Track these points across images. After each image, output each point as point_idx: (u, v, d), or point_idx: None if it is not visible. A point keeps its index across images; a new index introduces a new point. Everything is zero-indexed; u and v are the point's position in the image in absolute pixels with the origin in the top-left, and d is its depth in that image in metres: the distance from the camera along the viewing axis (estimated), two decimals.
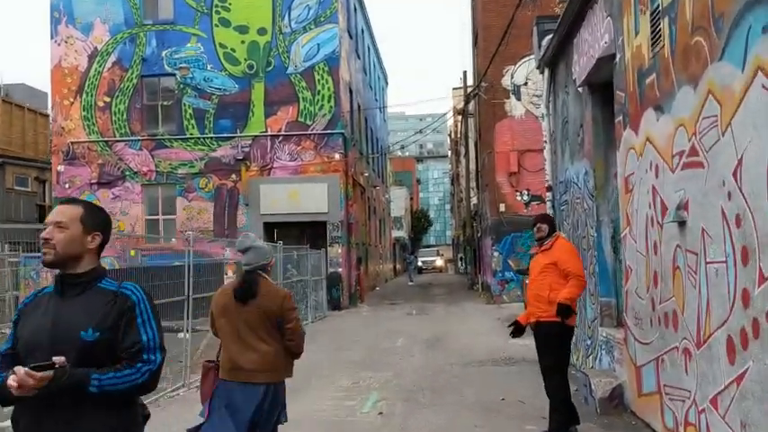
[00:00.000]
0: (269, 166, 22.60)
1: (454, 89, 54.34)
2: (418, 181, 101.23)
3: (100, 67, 23.00)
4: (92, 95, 22.97)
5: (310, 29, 22.77)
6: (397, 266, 50.33)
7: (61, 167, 22.88)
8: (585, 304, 8.03)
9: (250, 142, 22.63)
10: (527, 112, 22.17)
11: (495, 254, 21.99)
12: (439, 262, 59.04)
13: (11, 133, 29.30)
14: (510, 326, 6.13)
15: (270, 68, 22.71)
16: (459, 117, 41.57)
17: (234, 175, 22.53)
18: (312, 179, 22.39)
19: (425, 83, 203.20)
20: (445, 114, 45.50)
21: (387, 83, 45.28)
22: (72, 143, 22.87)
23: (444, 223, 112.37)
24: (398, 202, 59.46)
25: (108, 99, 22.97)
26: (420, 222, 75.31)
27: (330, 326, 16.57)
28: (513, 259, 21.76)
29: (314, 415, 6.96)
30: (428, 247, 79.86)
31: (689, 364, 4.77)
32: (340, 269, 22.20)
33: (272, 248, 5.05)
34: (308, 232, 23.81)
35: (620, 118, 6.37)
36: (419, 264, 51.36)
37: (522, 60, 22.22)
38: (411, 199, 78.83)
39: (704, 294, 4.44)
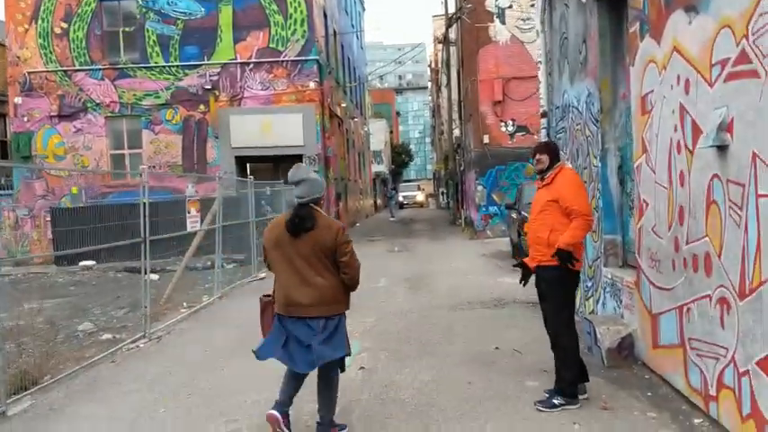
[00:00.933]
0: (239, 96, 21.37)
1: (434, 17, 52.48)
2: (398, 113, 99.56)
3: None
4: (48, 21, 21.36)
5: None
6: (378, 202, 49.51)
7: (18, 99, 21.43)
8: (587, 242, 7.24)
9: (218, 70, 21.31)
10: (512, 38, 21.02)
11: (479, 188, 21.18)
12: (420, 197, 58.30)
13: None
14: (516, 266, 5.26)
15: None
16: (440, 46, 40.10)
17: (202, 106, 21.29)
18: (286, 109, 21.23)
19: (405, 11, 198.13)
20: (419, 46, 44.02)
21: (363, 8, 43.43)
22: (29, 73, 21.38)
23: (425, 157, 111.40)
24: (378, 135, 58.15)
25: (65, 25, 21.39)
26: (400, 156, 74.13)
27: None
28: (497, 193, 20.99)
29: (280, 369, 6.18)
30: (409, 181, 79.00)
31: (726, 316, 3.98)
32: None
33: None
34: (283, 167, 22.80)
35: (637, 26, 5.42)
36: (400, 199, 50.57)
37: None
38: (391, 132, 77.39)
39: (752, 234, 3.61)
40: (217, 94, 21.27)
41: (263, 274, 13.68)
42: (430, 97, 72.32)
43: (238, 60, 21.28)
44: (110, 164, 21.62)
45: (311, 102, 21.27)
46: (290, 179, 4.31)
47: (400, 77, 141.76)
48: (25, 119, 21.41)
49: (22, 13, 21.34)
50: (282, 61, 21.26)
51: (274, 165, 22.93)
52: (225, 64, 21.27)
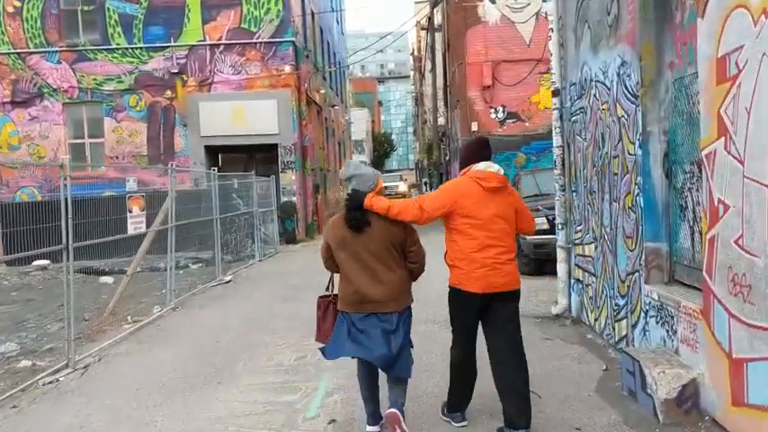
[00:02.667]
0: (209, 81, 19.71)
1: (417, 2, 50.94)
2: (380, 103, 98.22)
3: None
4: None
5: None
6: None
7: None
8: (616, 247, 5.83)
9: (186, 53, 19.63)
10: (502, 18, 19.57)
11: None
12: (402, 187, 56.80)
13: None
14: None
15: None
16: (423, 33, 38.56)
17: (169, 92, 19.62)
18: (259, 95, 19.62)
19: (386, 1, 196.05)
20: (398, 32, 42.59)
21: None
22: None
23: (407, 147, 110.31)
24: (359, 124, 56.59)
25: (18, 3, 19.58)
26: (383, 146, 72.60)
27: (280, 265, 14.27)
28: None
29: (232, 424, 4.70)
30: (390, 171, 77.19)
31: None
32: (294, 198, 19.77)
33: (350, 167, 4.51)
34: (258, 157, 21.26)
35: None
36: None
37: None
38: (373, 122, 75.92)
39: None
40: (185, 78, 19.60)
41: (228, 278, 12.20)
42: (413, 86, 70.73)
43: (207, 42, 19.61)
44: (69, 154, 19.89)
45: (286, 87, 19.68)
46: (342, 177, 4.37)
47: (382, 66, 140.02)
48: None
49: None
50: (255, 43, 19.63)
51: (248, 155, 21.37)
52: (193, 46, 19.60)
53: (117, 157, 19.73)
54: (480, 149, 4.42)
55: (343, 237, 4.17)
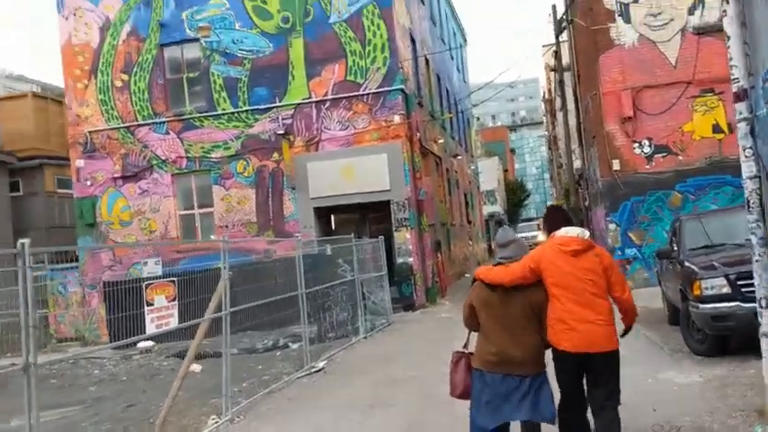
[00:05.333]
0: (316, 139, 18.39)
1: (544, 46, 48.54)
2: (512, 151, 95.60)
3: (114, 40, 19.42)
4: (107, 74, 19.45)
5: None
6: (492, 246, 45.31)
7: (80, 162, 19.53)
8: None
9: (292, 112, 18.49)
10: (640, 38, 16.89)
11: (611, 226, 16.91)
12: (541, 237, 53.52)
13: (48, 131, 26.48)
14: None
15: (309, 19, 18.45)
16: (553, 74, 36.05)
17: (276, 154, 18.48)
18: (368, 149, 18.01)
19: (514, 51, 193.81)
20: (531, 69, 40.32)
21: (465, 40, 40.18)
22: (90, 133, 19.47)
23: (545, 194, 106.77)
24: (490, 173, 54.18)
25: (126, 77, 19.40)
26: (516, 194, 69.47)
27: (387, 343, 12.14)
28: (635, 231, 16.66)
29: None
30: (528, 220, 73.45)
31: None
32: (410, 259, 17.76)
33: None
34: (371, 217, 19.56)
35: None
36: None
37: None
38: (505, 170, 73.24)
39: None
40: (291, 139, 18.40)
41: (321, 364, 10.27)
42: (546, 131, 67.71)
43: (313, 99, 18.38)
44: (179, 226, 19.18)
45: (397, 138, 17.94)
46: (498, 241, 4.63)
47: (513, 114, 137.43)
48: (88, 183, 19.43)
49: (81, 68, 19.55)
50: (362, 95, 18.15)
51: (361, 214, 19.74)
52: (299, 104, 18.44)
53: (226, 227, 18.72)
54: (557, 217, 4.73)
55: (487, 299, 4.40)
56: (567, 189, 29.39)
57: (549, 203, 74.40)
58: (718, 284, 7.48)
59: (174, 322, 6.37)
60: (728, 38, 4.62)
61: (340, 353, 11.36)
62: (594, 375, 4.42)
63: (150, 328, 5.87)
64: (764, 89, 4.49)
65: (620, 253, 16.73)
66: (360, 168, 17.96)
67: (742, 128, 4.60)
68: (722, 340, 7.80)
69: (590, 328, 4.29)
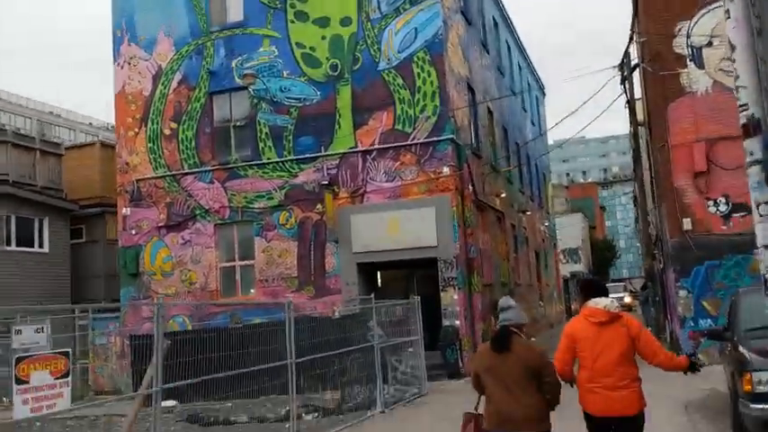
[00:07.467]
0: (361, 191, 17.45)
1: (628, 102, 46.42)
2: (602, 208, 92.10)
3: (165, 88, 19.34)
4: (157, 123, 19.33)
5: (405, 10, 17.56)
6: (573, 307, 42.63)
7: (127, 210, 19.32)
8: None
9: (337, 162, 17.68)
10: (715, 84, 15.21)
11: (682, 292, 14.98)
12: (628, 299, 50.07)
13: (113, 180, 26.79)
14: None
15: (357, 66, 17.75)
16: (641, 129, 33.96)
17: (320, 206, 17.63)
18: (415, 203, 16.90)
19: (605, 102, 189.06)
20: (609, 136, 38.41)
21: (544, 93, 38.82)
22: (137, 181, 19.30)
23: (637, 254, 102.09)
24: (572, 231, 51.75)
25: (174, 125, 19.21)
26: (603, 253, 66.15)
27: (406, 423, 10.69)
28: (710, 300, 14.66)
29: None
30: (618, 281, 69.53)
31: None
32: (456, 321, 16.32)
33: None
34: (419, 275, 18.28)
35: None
36: None
37: (704, 10, 15.42)
38: (593, 228, 70.19)
39: None
40: (336, 190, 17.54)
41: None
42: (634, 187, 64.41)
43: (359, 148, 17.54)
44: (219, 278, 18.53)
45: (446, 191, 16.75)
46: (500, 306, 4.90)
47: (605, 171, 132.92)
48: (133, 231, 19.16)
49: (133, 116, 19.54)
50: (410, 145, 17.15)
51: (409, 272, 18.50)
52: (344, 154, 17.62)
53: (266, 281, 17.92)
54: (589, 289, 5.15)
55: (488, 364, 4.70)
56: (648, 249, 27.13)
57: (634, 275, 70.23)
58: None
59: (63, 403, 5.28)
60: (733, 48, 3.26)
61: (345, 430, 10.06)
62: None
63: (22, 412, 4.82)
64: None
65: (692, 324, 14.75)
66: (406, 222, 16.83)
67: (754, 174, 3.19)
68: None
69: (610, 395, 4.70)
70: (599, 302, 4.91)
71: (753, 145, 3.21)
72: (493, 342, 4.73)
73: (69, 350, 5.40)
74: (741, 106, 3.26)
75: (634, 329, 4.85)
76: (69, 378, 5.03)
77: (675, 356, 5.06)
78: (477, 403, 4.95)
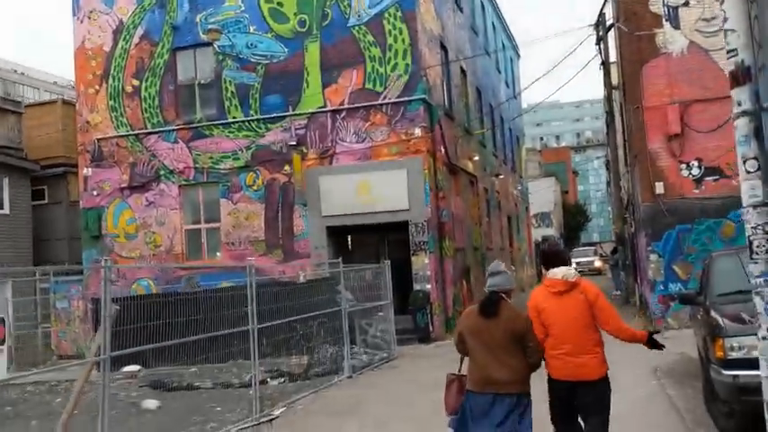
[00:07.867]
0: (330, 152, 17.00)
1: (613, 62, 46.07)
2: (575, 172, 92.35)
3: (126, 43, 18.56)
4: (119, 80, 18.59)
5: None
6: (543, 271, 42.74)
7: (88, 171, 18.66)
8: None
9: (305, 122, 17.17)
10: (691, 45, 14.89)
11: (653, 256, 14.86)
12: (598, 263, 50.45)
13: (76, 139, 25.93)
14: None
15: (326, 23, 17.15)
16: (615, 92, 33.67)
17: (288, 167, 17.17)
18: (386, 164, 16.50)
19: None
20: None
21: (518, 55, 38.32)
22: (99, 140, 18.62)
23: (608, 218, 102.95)
24: (545, 194, 51.77)
25: (136, 82, 18.48)
26: (575, 218, 66.47)
27: (371, 387, 10.46)
28: (680, 264, 14.58)
29: None
30: (589, 245, 70.08)
31: None
32: (428, 286, 16.09)
33: None
34: (391, 239, 17.97)
35: None
36: (574, 265, 43.16)
37: None
38: (565, 192, 70.38)
39: None
40: (304, 151, 17.07)
41: (277, 412, 8.75)
42: (606, 150, 64.53)
43: (328, 108, 17.04)
44: (184, 241, 18.06)
45: (417, 153, 16.38)
46: (489, 270, 5.01)
47: (578, 135, 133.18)
48: (95, 192, 18.55)
49: (93, 73, 18.75)
50: (381, 104, 16.69)
51: (380, 236, 18.16)
52: (313, 113, 17.11)
53: (233, 243, 17.50)
54: (548, 259, 5.22)
55: (474, 326, 4.84)
56: (618, 213, 27.11)
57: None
58: (749, 344, 5.60)
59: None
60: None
61: (309, 396, 9.80)
62: (582, 403, 4.86)
63: None
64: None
65: (662, 288, 14.68)
66: (376, 185, 16.47)
67: (742, 126, 2.86)
68: (753, 421, 5.90)
69: (571, 360, 4.80)
70: (557, 273, 4.99)
71: (741, 94, 2.86)
72: (481, 307, 4.82)
73: (4, 316, 4.99)
74: (729, 51, 2.91)
75: (591, 295, 4.93)
76: (5, 346, 4.64)
77: (629, 328, 5.06)
78: (461, 365, 5.08)
